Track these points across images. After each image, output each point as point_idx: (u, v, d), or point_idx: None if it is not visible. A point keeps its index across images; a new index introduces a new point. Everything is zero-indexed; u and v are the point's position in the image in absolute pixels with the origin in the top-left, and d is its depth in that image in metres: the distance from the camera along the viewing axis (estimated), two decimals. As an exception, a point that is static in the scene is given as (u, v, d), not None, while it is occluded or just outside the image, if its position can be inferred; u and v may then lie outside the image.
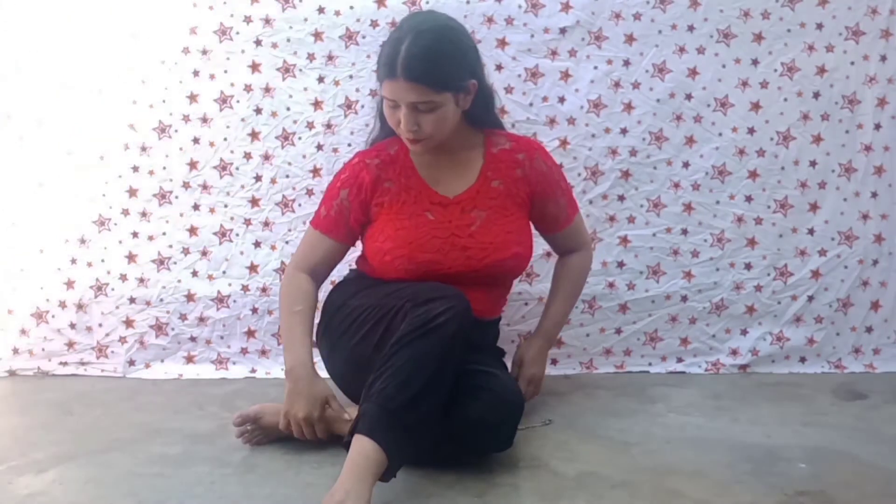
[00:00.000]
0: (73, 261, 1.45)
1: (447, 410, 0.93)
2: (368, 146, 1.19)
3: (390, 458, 0.86)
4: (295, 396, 1.00)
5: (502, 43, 1.40)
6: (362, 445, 0.85)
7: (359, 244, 1.21)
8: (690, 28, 1.40)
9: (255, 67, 1.42)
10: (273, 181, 1.44)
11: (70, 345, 1.45)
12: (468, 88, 1.06)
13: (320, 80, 1.41)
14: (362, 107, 1.41)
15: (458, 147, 1.13)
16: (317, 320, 1.15)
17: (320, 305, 1.17)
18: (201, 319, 1.45)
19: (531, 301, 1.42)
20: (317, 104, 1.42)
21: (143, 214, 1.45)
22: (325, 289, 1.24)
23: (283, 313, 1.10)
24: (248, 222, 1.45)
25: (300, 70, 1.41)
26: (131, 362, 1.45)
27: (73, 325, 1.45)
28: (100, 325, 1.45)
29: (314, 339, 1.13)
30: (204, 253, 1.45)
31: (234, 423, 1.06)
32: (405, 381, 0.87)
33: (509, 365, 1.22)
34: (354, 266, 1.23)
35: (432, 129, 1.04)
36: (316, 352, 1.13)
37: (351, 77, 1.41)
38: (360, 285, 1.12)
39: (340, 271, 1.40)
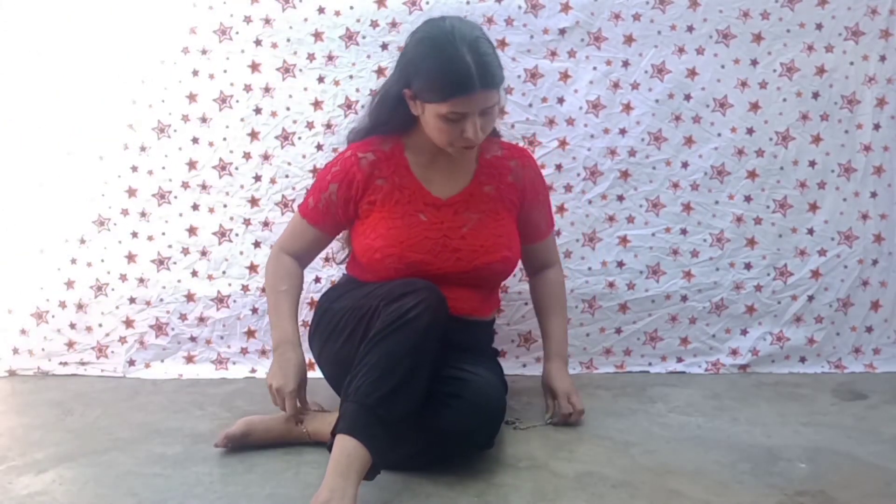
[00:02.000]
0: (73, 261, 1.45)
1: (422, 419, 0.93)
2: (353, 136, 1.16)
3: (373, 455, 0.85)
4: (275, 369, 1.03)
5: (502, 44, 1.40)
6: (344, 444, 0.85)
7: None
8: (690, 28, 1.40)
9: (254, 67, 1.42)
10: (273, 181, 1.44)
11: (70, 345, 1.45)
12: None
13: (320, 80, 1.41)
14: (362, 107, 1.41)
15: None
16: (309, 319, 1.16)
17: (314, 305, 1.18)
18: (201, 319, 1.45)
19: (531, 301, 1.43)
20: (317, 104, 1.42)
21: (143, 214, 1.45)
22: (326, 288, 1.24)
23: (269, 292, 1.13)
24: (247, 222, 1.45)
25: (300, 70, 1.42)
26: (131, 362, 1.45)
27: (73, 325, 1.45)
28: (100, 325, 1.45)
29: (306, 341, 1.14)
30: (204, 253, 1.45)
31: (221, 445, 1.02)
32: (380, 376, 0.88)
33: (506, 366, 1.22)
34: (345, 271, 1.23)
35: (488, 130, 1.05)
36: (308, 351, 1.13)
37: (351, 77, 1.41)
38: (345, 289, 1.13)
39: (342, 270, 1.40)
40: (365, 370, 0.89)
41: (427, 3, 1.39)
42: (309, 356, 1.41)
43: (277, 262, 1.13)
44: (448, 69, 0.99)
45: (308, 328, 1.17)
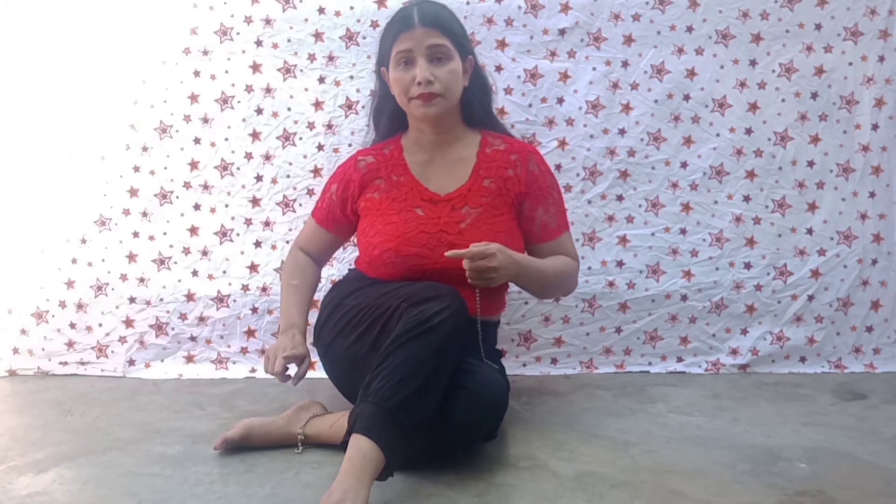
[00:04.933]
0: (74, 260, 1.45)
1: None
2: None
3: (387, 457, 0.85)
4: (281, 340, 1.09)
5: (502, 44, 1.40)
6: (360, 445, 0.85)
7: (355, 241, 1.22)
8: (689, 29, 1.41)
9: (255, 68, 1.42)
10: (274, 181, 1.44)
11: (70, 344, 1.45)
12: (469, 60, 1.13)
13: (321, 80, 1.42)
14: (363, 107, 1.41)
15: (453, 145, 1.15)
16: (314, 318, 1.16)
17: (319, 303, 1.18)
18: (201, 319, 1.45)
19: (531, 300, 1.42)
20: (317, 104, 1.43)
21: (144, 214, 1.45)
22: (326, 288, 1.25)
23: (283, 284, 1.20)
24: (248, 222, 1.45)
25: (301, 70, 1.42)
26: (131, 362, 1.45)
27: (73, 325, 1.45)
28: (100, 324, 1.45)
29: (312, 336, 1.15)
30: (204, 253, 1.45)
31: (219, 448, 1.02)
32: (401, 381, 0.88)
33: (506, 365, 1.21)
34: (353, 266, 1.23)
35: (445, 83, 1.08)
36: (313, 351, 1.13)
37: (351, 77, 1.42)
38: (357, 285, 1.12)
39: (341, 271, 1.41)
40: (386, 372, 0.89)
41: (427, 3, 1.40)
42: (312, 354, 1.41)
43: (293, 259, 1.20)
44: (394, 18, 1.12)
45: (315, 323, 1.15)
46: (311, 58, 1.41)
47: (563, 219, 1.17)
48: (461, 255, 0.99)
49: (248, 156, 1.44)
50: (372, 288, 1.06)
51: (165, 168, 1.44)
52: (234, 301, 1.44)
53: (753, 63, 1.41)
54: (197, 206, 1.45)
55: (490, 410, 0.96)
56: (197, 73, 1.42)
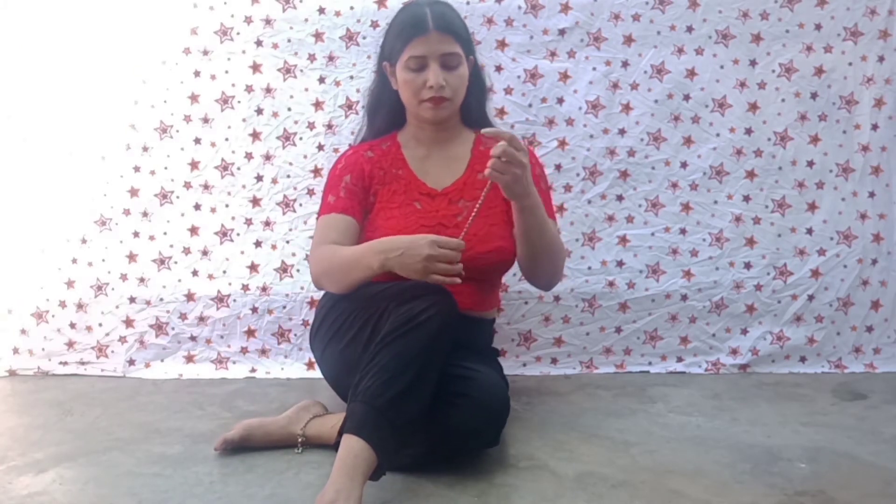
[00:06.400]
0: (74, 260, 1.45)
1: (429, 419, 0.92)
2: (355, 142, 1.23)
3: (379, 456, 0.85)
4: (405, 248, 0.95)
5: (502, 44, 1.41)
6: (351, 444, 0.85)
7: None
8: (689, 29, 1.41)
9: (255, 68, 1.42)
10: (274, 181, 1.44)
11: (70, 344, 1.45)
12: (471, 60, 1.14)
13: (321, 80, 1.42)
14: (363, 107, 1.41)
15: (451, 142, 1.17)
16: (312, 318, 1.16)
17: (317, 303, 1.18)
18: (201, 319, 1.45)
19: (531, 300, 1.43)
20: (317, 104, 1.43)
21: (144, 214, 1.45)
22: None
23: (326, 261, 1.05)
24: (248, 222, 1.45)
25: (301, 70, 1.42)
26: (131, 362, 1.45)
27: (73, 325, 1.45)
28: (100, 324, 1.45)
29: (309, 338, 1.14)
30: (204, 253, 1.45)
31: (219, 448, 1.01)
32: (390, 378, 0.87)
33: (506, 365, 1.21)
34: None
35: (455, 88, 1.09)
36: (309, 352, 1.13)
37: (351, 77, 1.42)
38: None
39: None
40: (374, 371, 0.88)
41: (427, 3, 1.40)
42: (309, 356, 1.42)
43: (319, 250, 1.08)
44: (406, 18, 1.11)
45: (311, 326, 1.17)
46: (312, 58, 1.42)
47: (548, 207, 1.16)
48: (498, 133, 0.95)
49: (249, 156, 1.44)
50: (364, 289, 1.06)
51: (166, 168, 1.44)
52: (234, 301, 1.45)
53: (753, 63, 1.41)
54: (197, 206, 1.45)
55: (492, 418, 0.96)
56: (197, 73, 1.42)
